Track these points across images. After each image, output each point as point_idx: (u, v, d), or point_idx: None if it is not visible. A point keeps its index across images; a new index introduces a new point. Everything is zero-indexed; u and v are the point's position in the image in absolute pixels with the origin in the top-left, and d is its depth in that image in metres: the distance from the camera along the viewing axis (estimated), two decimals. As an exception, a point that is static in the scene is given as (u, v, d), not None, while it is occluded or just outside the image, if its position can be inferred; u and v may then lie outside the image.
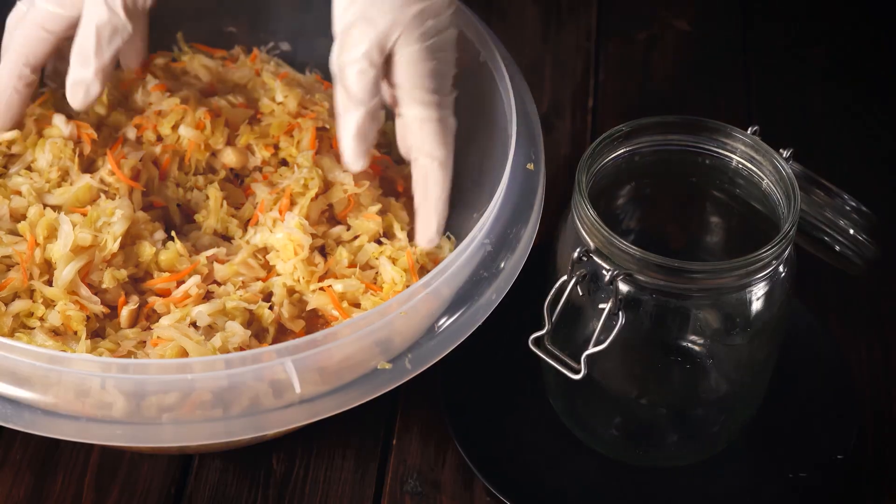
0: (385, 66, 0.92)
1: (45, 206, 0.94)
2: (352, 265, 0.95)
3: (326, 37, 0.93)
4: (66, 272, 0.91)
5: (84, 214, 0.93)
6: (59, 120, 0.98)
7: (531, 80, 1.00)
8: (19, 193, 0.95)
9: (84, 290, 0.91)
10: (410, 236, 0.96)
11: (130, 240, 0.94)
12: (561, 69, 1.25)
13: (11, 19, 0.97)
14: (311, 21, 1.06)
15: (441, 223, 0.94)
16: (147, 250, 0.94)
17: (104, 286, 0.92)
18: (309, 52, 1.08)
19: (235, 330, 0.91)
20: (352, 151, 0.92)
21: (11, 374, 0.82)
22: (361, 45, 0.90)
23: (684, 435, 0.96)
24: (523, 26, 1.29)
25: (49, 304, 0.91)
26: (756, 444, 0.98)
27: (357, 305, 0.93)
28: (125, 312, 0.92)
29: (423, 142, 0.93)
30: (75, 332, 0.91)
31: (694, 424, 0.96)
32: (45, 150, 0.96)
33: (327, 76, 1.05)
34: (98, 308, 0.91)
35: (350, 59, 0.91)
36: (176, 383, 0.82)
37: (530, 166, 0.94)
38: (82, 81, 0.94)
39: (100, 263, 0.92)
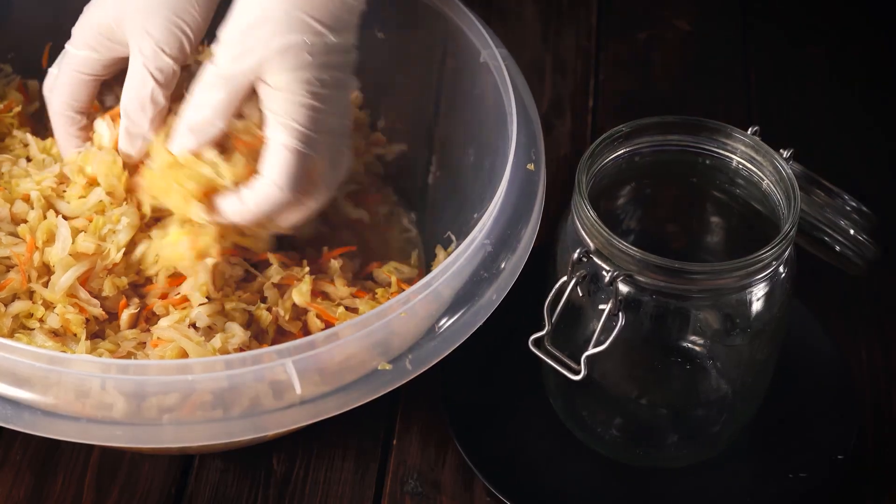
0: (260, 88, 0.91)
1: (57, 213, 0.94)
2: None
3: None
4: (64, 278, 0.91)
5: (90, 220, 0.93)
6: (101, 128, 0.96)
7: (531, 80, 1.00)
8: (28, 199, 0.95)
9: (83, 293, 0.91)
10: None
11: (133, 246, 0.94)
12: (561, 69, 1.25)
13: (47, 84, 0.97)
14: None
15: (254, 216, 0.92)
16: (149, 258, 0.93)
17: (104, 294, 0.92)
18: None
19: (235, 331, 0.91)
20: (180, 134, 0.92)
21: (11, 374, 0.82)
22: (244, 62, 0.89)
23: (684, 435, 0.96)
24: (523, 26, 1.29)
25: (49, 305, 0.91)
26: (756, 444, 0.98)
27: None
28: (125, 316, 0.92)
29: (276, 169, 0.90)
30: (75, 334, 0.91)
31: (694, 425, 0.96)
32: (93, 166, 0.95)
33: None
34: (97, 311, 0.91)
35: (229, 72, 0.90)
36: (176, 384, 0.82)
37: (530, 166, 0.94)
38: (138, 134, 0.93)
39: (100, 272, 0.92)
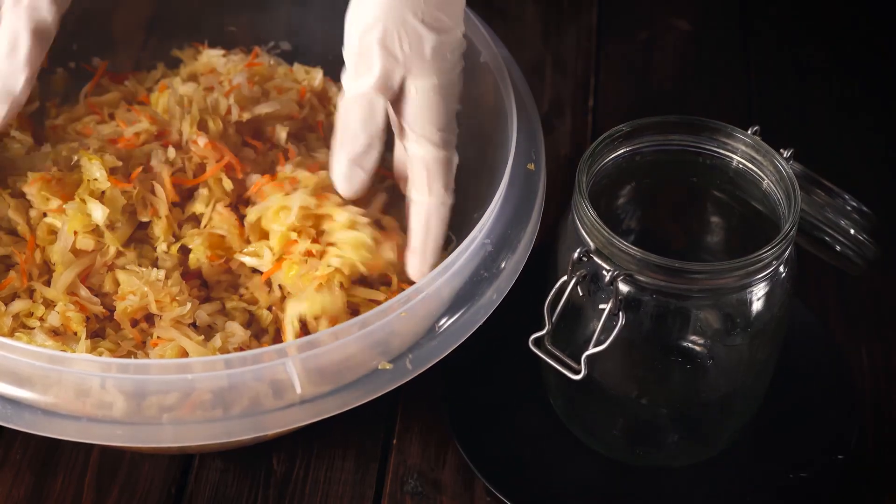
0: (396, 97, 0.90)
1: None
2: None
3: (327, 36, 0.93)
4: (64, 276, 0.91)
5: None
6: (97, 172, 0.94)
7: (531, 80, 1.00)
8: (29, 204, 0.94)
9: (84, 291, 0.91)
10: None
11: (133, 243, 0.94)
12: (561, 69, 1.25)
13: None
14: (311, 20, 1.06)
15: (436, 261, 0.91)
16: (149, 254, 0.94)
17: (105, 290, 0.92)
18: (309, 51, 1.08)
19: (235, 330, 0.91)
20: (343, 178, 0.90)
21: (12, 374, 0.82)
22: (372, 75, 0.88)
23: (685, 435, 0.96)
24: (523, 26, 1.29)
25: (49, 304, 0.91)
26: (756, 444, 0.98)
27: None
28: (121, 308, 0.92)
29: (428, 182, 0.91)
30: (75, 333, 0.91)
31: (694, 424, 0.96)
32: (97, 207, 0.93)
33: (327, 73, 1.05)
34: (97, 309, 0.91)
35: (360, 89, 0.88)
36: (176, 383, 0.82)
37: (531, 166, 0.94)
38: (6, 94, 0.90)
39: (100, 268, 0.92)
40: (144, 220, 0.94)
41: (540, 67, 1.25)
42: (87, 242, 0.92)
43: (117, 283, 0.92)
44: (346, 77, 0.89)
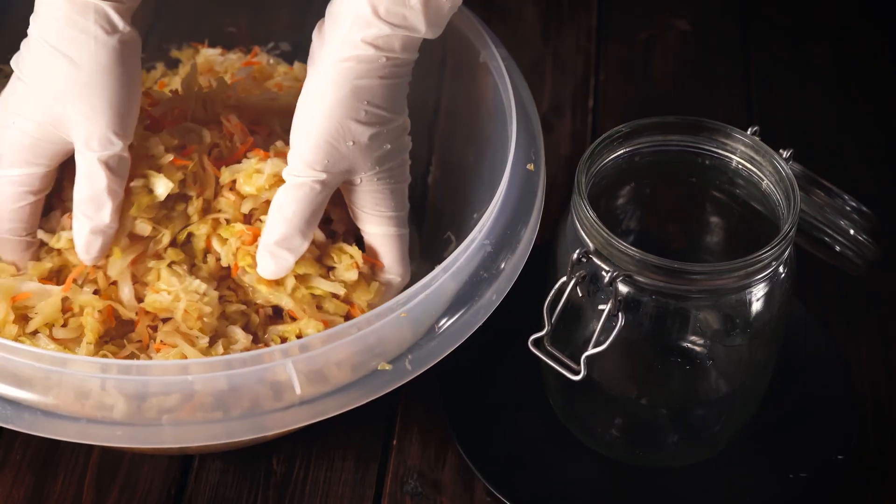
0: (346, 188, 0.92)
1: None
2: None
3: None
4: (120, 261, 0.90)
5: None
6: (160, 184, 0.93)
7: (531, 80, 1.00)
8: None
9: (127, 290, 0.91)
10: None
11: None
12: (561, 69, 1.25)
13: None
14: (311, 20, 1.06)
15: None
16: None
17: (146, 279, 0.92)
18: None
19: (238, 336, 0.91)
20: (269, 269, 0.91)
21: (12, 375, 0.82)
22: (317, 170, 0.89)
23: (684, 435, 0.96)
24: (523, 26, 1.29)
25: (68, 310, 0.91)
26: (756, 444, 0.98)
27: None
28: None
29: (392, 265, 0.94)
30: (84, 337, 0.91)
31: (694, 425, 0.96)
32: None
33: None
34: (128, 312, 0.91)
35: (302, 179, 0.89)
36: (176, 384, 0.82)
37: (530, 167, 0.94)
38: (99, 230, 0.89)
39: (150, 257, 0.92)
40: (191, 192, 0.93)
41: (540, 67, 1.25)
42: (143, 227, 0.91)
43: (157, 277, 0.92)
44: (288, 170, 0.90)
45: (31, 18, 0.89)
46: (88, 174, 0.88)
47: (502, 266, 0.89)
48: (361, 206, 0.92)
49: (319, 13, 0.93)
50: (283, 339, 0.92)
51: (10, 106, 0.89)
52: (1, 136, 0.90)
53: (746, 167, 0.93)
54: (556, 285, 0.89)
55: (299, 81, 1.04)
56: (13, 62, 0.90)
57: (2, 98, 0.90)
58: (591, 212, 0.88)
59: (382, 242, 0.94)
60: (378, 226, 0.93)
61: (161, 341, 0.90)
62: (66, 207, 0.93)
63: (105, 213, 0.89)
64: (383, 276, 0.94)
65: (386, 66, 0.89)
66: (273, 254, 0.90)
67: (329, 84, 0.88)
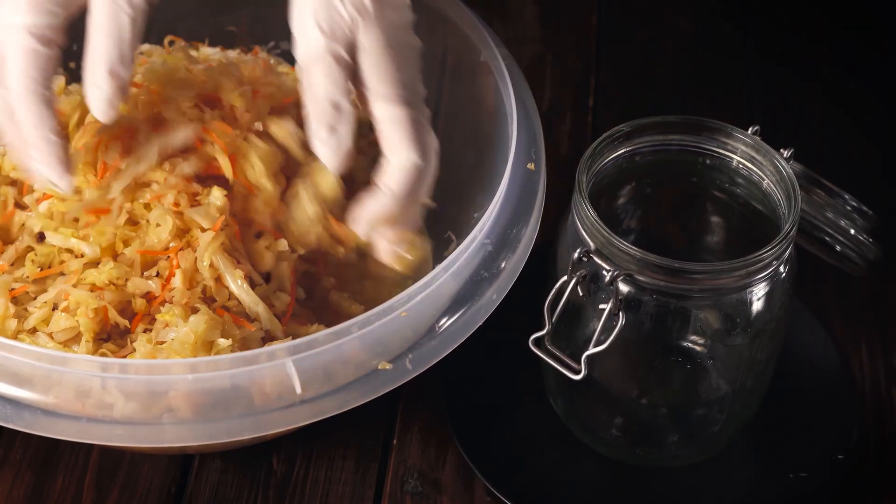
0: (351, 67, 0.87)
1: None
2: None
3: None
4: (213, 243, 0.90)
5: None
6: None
7: (531, 80, 1.00)
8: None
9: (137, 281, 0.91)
10: None
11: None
12: (561, 69, 1.25)
13: None
14: (311, 21, 1.06)
15: (409, 227, 0.89)
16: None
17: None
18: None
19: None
20: (328, 147, 0.86)
21: (12, 374, 0.82)
22: (323, 38, 0.85)
23: (685, 435, 0.96)
24: (523, 26, 1.29)
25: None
26: (756, 444, 0.98)
27: None
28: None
29: (397, 145, 0.87)
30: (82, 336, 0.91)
31: (694, 424, 0.96)
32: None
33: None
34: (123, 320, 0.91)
35: (314, 55, 0.86)
36: (176, 383, 0.82)
37: (531, 166, 0.94)
38: (118, 87, 0.84)
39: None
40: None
41: (540, 67, 1.25)
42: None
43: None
44: (298, 45, 0.87)
45: None
46: (107, 16, 0.84)
47: (503, 265, 0.89)
48: (365, 83, 0.87)
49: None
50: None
51: None
52: None
53: (747, 167, 0.93)
54: (557, 285, 0.89)
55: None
56: None
57: None
58: (591, 211, 0.88)
59: (392, 121, 0.86)
60: (384, 105, 0.87)
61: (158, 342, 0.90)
62: None
63: (119, 57, 0.84)
64: (391, 159, 0.87)
65: None
66: (333, 140, 0.85)
67: None
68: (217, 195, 0.92)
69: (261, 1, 1.10)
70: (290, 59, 1.08)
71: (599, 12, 1.31)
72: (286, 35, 1.10)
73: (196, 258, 0.91)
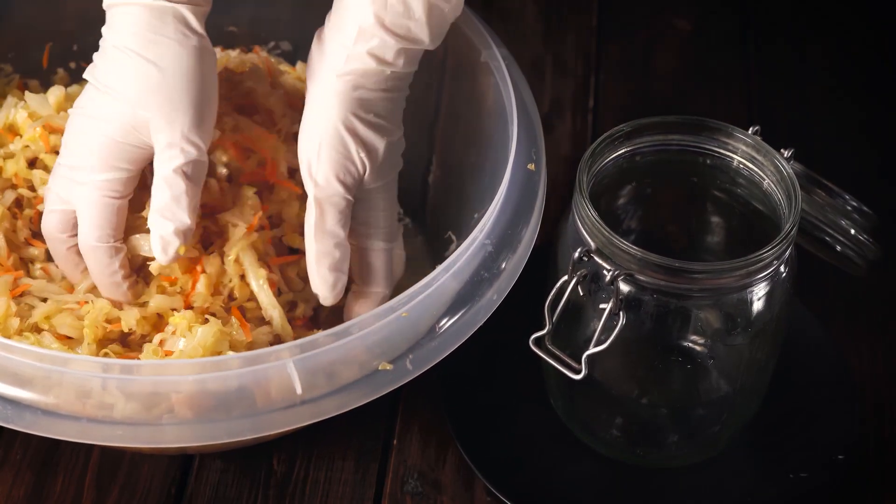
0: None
1: None
2: None
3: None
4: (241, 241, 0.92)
5: None
6: None
7: (532, 80, 1.00)
8: None
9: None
10: None
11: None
12: (561, 69, 1.25)
13: (50, 227, 0.91)
14: (311, 20, 1.06)
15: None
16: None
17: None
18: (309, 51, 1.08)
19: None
20: (329, 285, 0.91)
21: (13, 374, 0.82)
22: (340, 187, 0.90)
23: (685, 435, 0.96)
24: (524, 26, 1.29)
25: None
26: (756, 444, 0.98)
27: None
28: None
29: (377, 272, 0.94)
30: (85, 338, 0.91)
31: (694, 424, 0.96)
32: None
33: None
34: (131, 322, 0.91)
35: (325, 197, 0.90)
36: (177, 384, 0.82)
37: (531, 166, 0.94)
38: (180, 231, 0.88)
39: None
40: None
41: (540, 67, 1.25)
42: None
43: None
44: (312, 180, 0.90)
45: (104, 29, 0.90)
46: (167, 179, 0.88)
47: (503, 266, 0.89)
48: (363, 219, 0.93)
49: (320, 12, 0.93)
50: None
51: (90, 113, 0.89)
52: (81, 143, 0.90)
53: (748, 167, 0.93)
54: (558, 284, 0.89)
55: (301, 81, 1.04)
56: (87, 74, 0.90)
57: (79, 108, 0.90)
58: (592, 211, 0.88)
59: (377, 256, 0.94)
60: (376, 239, 0.93)
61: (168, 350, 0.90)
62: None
63: (185, 215, 0.88)
64: (372, 290, 0.94)
65: (389, 78, 0.89)
66: (334, 279, 0.91)
67: (334, 97, 0.89)
68: (250, 194, 0.93)
69: (261, 1, 1.10)
70: (290, 59, 1.09)
71: (599, 12, 1.30)
72: (286, 35, 1.10)
73: (223, 254, 0.91)
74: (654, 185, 0.97)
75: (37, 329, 0.91)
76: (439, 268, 0.87)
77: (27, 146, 0.97)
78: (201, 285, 0.91)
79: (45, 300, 0.92)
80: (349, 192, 0.90)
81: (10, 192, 0.96)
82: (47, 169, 0.96)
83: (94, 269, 0.91)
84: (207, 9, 0.90)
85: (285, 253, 0.95)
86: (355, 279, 0.94)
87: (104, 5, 0.89)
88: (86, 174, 0.89)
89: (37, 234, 0.96)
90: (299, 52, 1.09)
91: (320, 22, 0.93)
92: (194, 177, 0.88)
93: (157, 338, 0.90)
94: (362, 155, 0.90)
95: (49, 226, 0.92)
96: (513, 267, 0.90)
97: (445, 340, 0.87)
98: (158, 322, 0.92)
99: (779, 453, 0.97)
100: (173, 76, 0.88)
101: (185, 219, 0.88)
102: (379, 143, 0.90)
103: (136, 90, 0.88)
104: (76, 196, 0.90)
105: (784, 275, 0.90)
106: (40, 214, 0.94)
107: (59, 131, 0.97)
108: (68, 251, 0.92)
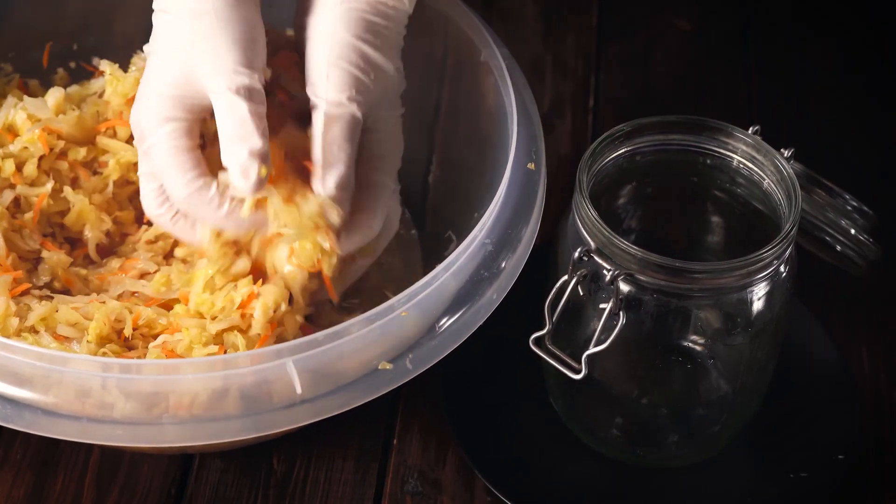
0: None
1: None
2: None
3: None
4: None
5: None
6: None
7: (531, 80, 1.00)
8: None
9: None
10: None
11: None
12: (561, 69, 1.25)
13: (148, 193, 0.91)
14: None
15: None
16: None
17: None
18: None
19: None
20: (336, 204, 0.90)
21: (12, 374, 0.82)
22: (351, 93, 0.89)
23: (685, 435, 0.96)
24: (524, 26, 1.29)
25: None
26: (756, 444, 0.98)
27: None
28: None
29: (376, 208, 0.92)
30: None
31: (694, 424, 0.96)
32: None
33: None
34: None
35: (337, 113, 0.89)
36: (177, 383, 0.82)
37: (531, 166, 0.94)
38: (256, 153, 0.87)
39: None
40: None
41: (540, 67, 1.25)
42: None
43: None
44: (323, 97, 0.89)
45: (154, 2, 0.91)
46: (228, 107, 0.87)
47: (503, 265, 0.89)
48: (377, 154, 0.91)
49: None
50: None
51: (147, 82, 0.90)
52: (145, 109, 0.90)
53: (748, 166, 0.93)
54: (558, 284, 0.89)
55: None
56: (145, 49, 0.91)
57: (142, 83, 0.91)
58: (592, 211, 0.88)
59: (380, 193, 0.92)
60: (381, 173, 0.92)
61: (172, 350, 0.90)
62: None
63: (255, 136, 0.87)
64: (365, 223, 0.92)
65: (389, 9, 0.90)
66: (338, 200, 0.89)
67: (339, 20, 0.89)
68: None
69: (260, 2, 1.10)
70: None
71: (599, 12, 1.30)
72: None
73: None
74: (654, 185, 0.97)
75: (37, 330, 0.91)
76: (439, 267, 0.87)
77: (25, 147, 0.97)
78: (258, 312, 0.91)
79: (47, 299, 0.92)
80: (360, 110, 0.89)
81: (8, 191, 0.96)
82: (53, 170, 0.97)
83: (199, 214, 0.90)
84: None
85: None
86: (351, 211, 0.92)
87: None
88: (150, 136, 0.90)
89: (47, 235, 0.96)
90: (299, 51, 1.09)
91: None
92: (255, 99, 0.88)
93: (160, 339, 0.90)
94: (372, 76, 0.89)
95: (146, 203, 0.91)
96: (513, 266, 0.90)
97: (445, 340, 0.87)
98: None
99: (779, 453, 0.97)
100: (211, 18, 0.88)
101: (256, 140, 0.87)
102: (387, 65, 0.90)
103: (178, 43, 0.88)
104: (152, 161, 0.90)
105: (784, 275, 0.90)
106: (41, 214, 0.95)
107: (59, 133, 0.97)
108: (174, 219, 0.91)
